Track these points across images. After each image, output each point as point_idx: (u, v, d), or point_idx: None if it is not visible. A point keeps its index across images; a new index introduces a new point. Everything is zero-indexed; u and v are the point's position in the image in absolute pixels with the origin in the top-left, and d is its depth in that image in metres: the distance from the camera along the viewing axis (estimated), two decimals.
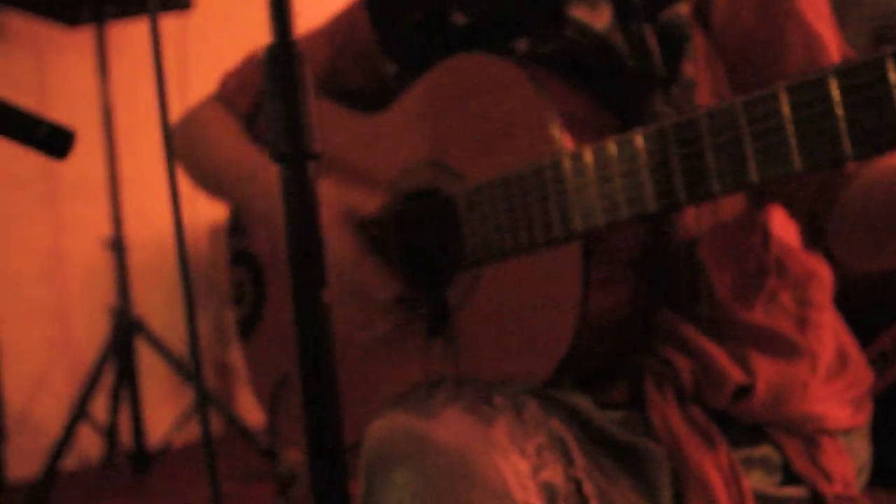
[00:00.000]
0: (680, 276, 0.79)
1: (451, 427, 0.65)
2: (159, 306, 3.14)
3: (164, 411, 2.99)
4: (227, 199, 1.16)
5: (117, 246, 2.75)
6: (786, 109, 0.58)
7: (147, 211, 3.17)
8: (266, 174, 1.01)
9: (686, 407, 0.76)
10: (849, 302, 0.94)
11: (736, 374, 0.77)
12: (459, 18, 0.91)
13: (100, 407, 2.65)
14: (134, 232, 2.85)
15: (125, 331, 2.69)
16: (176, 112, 3.07)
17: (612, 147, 0.66)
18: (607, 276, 0.74)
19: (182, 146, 1.19)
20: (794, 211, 0.82)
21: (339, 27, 1.10)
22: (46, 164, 2.99)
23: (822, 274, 0.87)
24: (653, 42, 0.78)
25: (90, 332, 3.01)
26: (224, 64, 3.39)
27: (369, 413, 0.85)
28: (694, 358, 0.78)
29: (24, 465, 2.87)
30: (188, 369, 2.75)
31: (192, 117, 1.22)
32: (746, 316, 0.81)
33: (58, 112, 3.03)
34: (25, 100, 2.61)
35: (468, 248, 0.79)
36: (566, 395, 0.74)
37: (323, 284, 0.58)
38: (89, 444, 2.92)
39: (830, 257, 0.83)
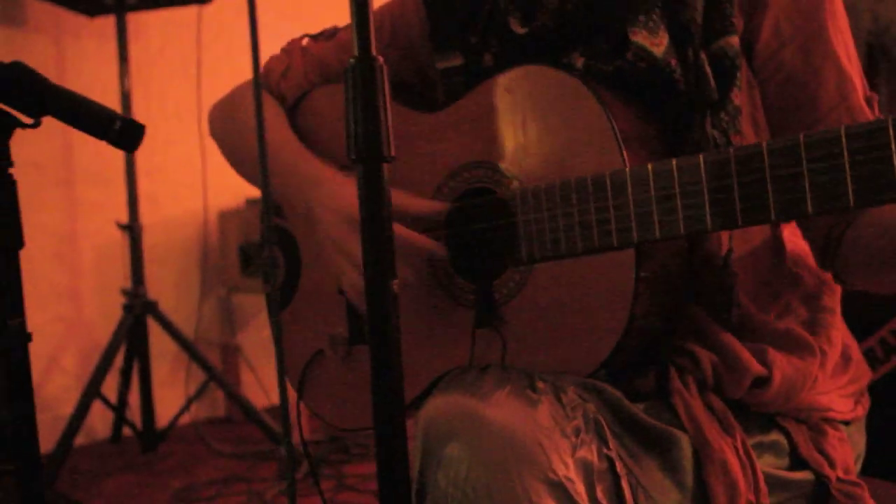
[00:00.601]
0: (714, 284, 0.87)
1: (500, 408, 0.73)
2: (168, 289, 3.21)
3: (170, 391, 3.06)
4: (258, 182, 1.19)
5: (132, 230, 2.80)
6: (845, 152, 0.65)
7: (159, 196, 3.23)
8: (308, 168, 1.07)
9: (706, 396, 0.85)
10: (844, 304, 1.03)
11: (755, 367, 0.86)
12: (518, 28, 0.96)
13: (109, 385, 2.72)
14: (145, 216, 2.91)
15: (139, 313, 2.75)
16: (190, 99, 3.13)
17: (673, 167, 0.74)
18: (655, 282, 0.82)
19: (223, 127, 1.23)
20: (811, 235, 0.91)
21: (386, 20, 1.12)
22: (64, 149, 3.05)
23: (833, 282, 0.96)
24: (707, 69, 0.85)
25: (102, 312, 3.08)
26: (236, 54, 3.47)
27: (415, 390, 0.91)
28: (716, 351, 0.87)
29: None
30: (196, 351, 2.82)
31: (234, 100, 1.23)
32: (764, 319, 0.91)
33: None
34: None
35: (522, 247, 0.86)
36: (600, 383, 0.82)
37: (392, 276, 0.65)
38: (99, 421, 2.99)
39: (836, 276, 0.92)
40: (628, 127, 0.82)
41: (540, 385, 0.77)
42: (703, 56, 0.85)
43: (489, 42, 0.99)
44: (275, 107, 1.17)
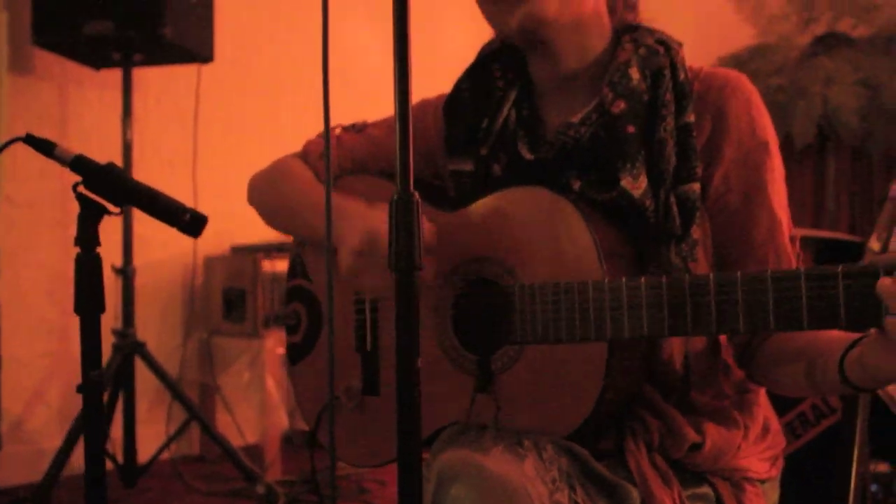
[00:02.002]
0: (667, 370, 1.10)
1: (496, 460, 0.94)
2: (153, 328, 3.35)
3: (150, 428, 3.19)
4: (300, 233, 1.35)
5: (126, 274, 2.95)
6: (770, 289, 0.88)
7: (149, 239, 3.39)
8: (342, 201, 1.20)
9: (653, 456, 1.06)
10: None
11: (692, 435, 1.08)
12: (526, 153, 1.17)
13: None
14: (135, 257, 3.06)
15: (127, 353, 2.90)
16: (184, 148, 3.30)
17: (642, 283, 0.95)
18: (620, 370, 1.04)
19: (264, 189, 1.40)
20: (734, 341, 1.16)
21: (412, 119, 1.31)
22: (60, 192, 3.19)
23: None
24: (674, 209, 1.08)
25: None
26: (231, 109, 3.73)
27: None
28: (663, 421, 1.09)
29: (17, 472, 3.04)
30: (180, 391, 2.96)
31: (277, 167, 1.40)
32: (703, 398, 1.13)
33: (77, 144, 3.29)
34: (47, 131, 2.88)
35: (517, 331, 1.06)
36: (572, 444, 1.03)
37: (417, 354, 0.85)
38: (77, 454, 3.10)
39: (748, 375, 1.17)
40: (608, 246, 1.04)
41: (526, 443, 0.98)
42: (671, 198, 1.08)
43: (498, 155, 1.20)
44: (309, 172, 1.36)
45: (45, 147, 1.01)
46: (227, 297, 3.35)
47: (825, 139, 4.96)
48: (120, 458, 2.89)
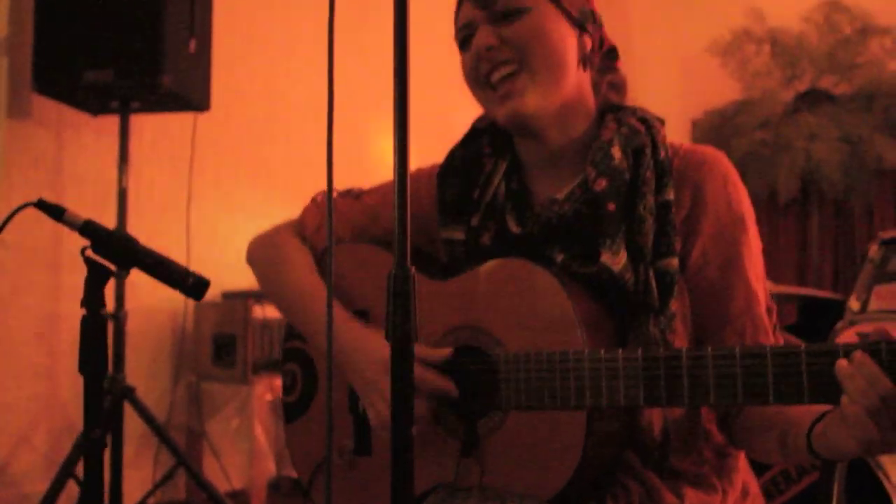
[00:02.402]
0: (647, 436, 1.13)
1: None
2: (141, 372, 3.35)
3: (136, 473, 3.19)
4: (295, 323, 1.38)
5: (118, 319, 2.97)
6: (738, 366, 0.94)
7: (141, 282, 3.41)
8: (346, 340, 1.24)
9: None
10: None
11: (671, 500, 1.11)
12: (514, 226, 1.22)
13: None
14: (127, 301, 3.08)
15: (117, 397, 2.91)
16: (178, 194, 3.33)
17: (619, 355, 1.00)
18: (600, 437, 1.07)
19: (261, 266, 1.43)
20: (716, 410, 1.19)
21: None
22: (53, 235, 3.22)
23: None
24: (652, 283, 1.12)
25: (76, 393, 3.19)
26: (227, 158, 3.78)
27: None
28: (643, 485, 1.12)
29: None
30: (168, 437, 2.96)
31: (272, 241, 1.43)
32: (683, 464, 1.17)
33: (72, 188, 3.32)
34: (43, 175, 2.92)
35: (502, 397, 1.10)
36: None
37: (412, 423, 0.88)
38: (64, 499, 3.09)
39: (728, 440, 1.21)
40: (590, 318, 1.08)
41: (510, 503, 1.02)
42: (650, 272, 1.12)
43: (487, 226, 1.25)
44: (308, 255, 1.38)
45: (55, 212, 1.05)
46: (217, 343, 3.37)
47: (808, 193, 5.07)
48: (106, 503, 2.88)
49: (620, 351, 1.01)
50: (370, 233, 1.39)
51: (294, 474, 1.38)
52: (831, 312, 2.74)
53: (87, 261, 1.04)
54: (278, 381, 3.22)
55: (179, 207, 3.39)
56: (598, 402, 1.02)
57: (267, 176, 3.90)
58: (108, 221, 3.04)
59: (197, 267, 3.56)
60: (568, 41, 1.19)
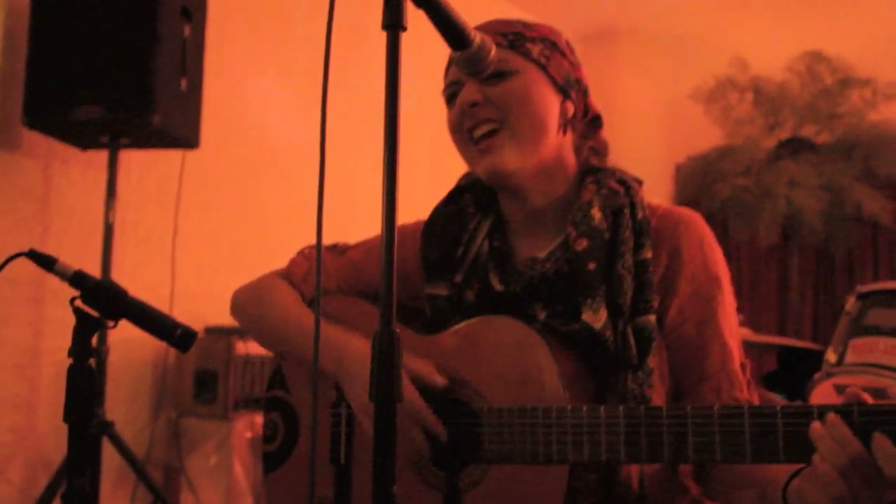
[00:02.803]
0: (625, 490, 1.15)
1: None
2: (120, 406, 3.34)
3: None
4: (291, 355, 1.40)
5: (99, 353, 2.96)
6: (716, 423, 0.96)
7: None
8: (334, 332, 1.28)
9: None
10: None
11: None
12: (497, 284, 1.25)
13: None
14: (109, 336, 3.07)
15: (95, 433, 2.89)
16: (163, 228, 3.32)
17: (602, 411, 1.03)
18: (581, 487, 1.10)
19: (251, 311, 1.46)
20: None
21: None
22: (37, 271, 3.22)
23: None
24: (631, 340, 1.15)
25: (54, 426, 3.19)
26: (214, 194, 3.79)
27: None
28: None
29: None
30: (146, 474, 2.95)
31: (260, 283, 1.46)
32: None
33: (59, 221, 3.33)
34: (30, 207, 2.93)
35: (485, 450, 1.12)
36: None
37: (393, 482, 0.90)
38: None
39: (704, 492, 1.23)
40: (571, 375, 1.11)
41: None
42: (629, 329, 1.15)
43: (471, 282, 1.28)
44: (296, 294, 1.41)
45: (46, 262, 1.07)
46: (199, 378, 3.36)
47: (789, 239, 5.13)
48: None
49: (602, 407, 1.03)
50: (356, 287, 1.42)
51: None
52: (810, 361, 2.78)
53: (76, 311, 1.05)
54: (259, 419, 3.21)
55: (165, 242, 3.40)
56: (579, 458, 1.04)
57: (253, 213, 3.93)
58: (94, 254, 3.05)
59: (181, 301, 3.58)
60: (551, 106, 1.24)
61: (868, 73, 4.99)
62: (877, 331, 2.37)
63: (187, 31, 3.00)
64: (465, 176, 1.36)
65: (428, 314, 1.32)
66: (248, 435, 3.23)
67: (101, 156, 3.09)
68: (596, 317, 1.15)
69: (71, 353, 1.04)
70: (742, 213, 5.03)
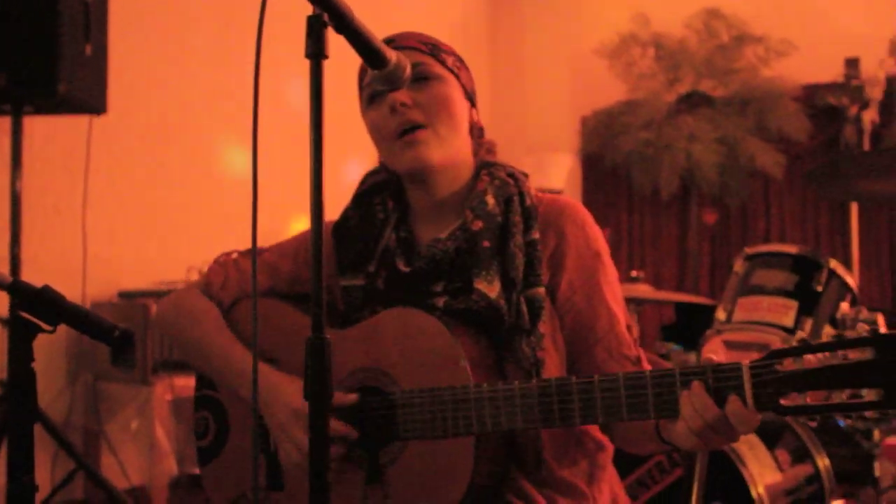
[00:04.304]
0: (527, 449, 1.31)
1: None
2: (39, 375, 3.33)
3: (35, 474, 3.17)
4: (212, 375, 1.49)
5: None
6: (597, 391, 1.15)
7: (36, 280, 3.37)
8: (245, 367, 1.39)
9: None
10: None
11: None
12: (403, 266, 1.39)
13: None
14: None
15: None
16: (72, 196, 3.26)
17: (500, 387, 1.19)
18: (486, 457, 1.24)
19: (172, 325, 1.53)
20: None
21: (302, 246, 1.51)
22: None
23: (607, 445, 1.42)
24: (523, 308, 1.30)
25: None
26: (122, 158, 3.77)
27: None
28: (523, 497, 1.30)
29: None
30: (67, 441, 2.97)
31: (180, 303, 1.54)
32: (558, 472, 1.34)
33: None
34: None
35: (400, 429, 1.26)
36: None
37: (328, 489, 1.00)
38: None
39: (610, 439, 1.41)
40: (473, 352, 1.27)
41: None
42: (521, 299, 1.31)
43: (380, 272, 1.42)
44: (216, 311, 1.49)
45: None
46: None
47: (688, 191, 5.38)
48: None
49: (500, 382, 1.20)
50: (273, 288, 1.52)
51: (196, 471, 1.50)
52: (704, 314, 2.99)
53: (16, 318, 1.10)
54: (179, 381, 3.26)
55: (75, 209, 3.36)
56: (483, 429, 1.20)
57: (164, 176, 3.90)
58: (2, 224, 3.01)
59: (94, 268, 3.55)
60: (464, 111, 1.41)
61: (762, 30, 5.21)
62: (761, 290, 2.57)
63: None
64: (371, 174, 1.49)
65: (340, 306, 1.44)
66: (168, 397, 3.27)
67: (2, 122, 3.02)
68: (490, 287, 1.30)
69: (12, 359, 1.09)
70: (644, 165, 5.24)
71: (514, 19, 6.01)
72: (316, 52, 1.00)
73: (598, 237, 1.41)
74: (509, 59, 5.99)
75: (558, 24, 5.89)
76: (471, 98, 1.44)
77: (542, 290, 1.33)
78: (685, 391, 1.09)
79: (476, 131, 1.46)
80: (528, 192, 1.39)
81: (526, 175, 1.44)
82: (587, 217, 1.42)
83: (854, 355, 0.99)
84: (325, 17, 1.00)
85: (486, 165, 1.43)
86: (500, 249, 1.33)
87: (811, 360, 1.01)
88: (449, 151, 1.37)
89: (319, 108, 1.02)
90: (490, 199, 1.36)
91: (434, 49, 1.40)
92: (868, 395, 0.99)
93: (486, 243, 1.33)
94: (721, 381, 1.08)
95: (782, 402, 1.03)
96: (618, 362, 1.35)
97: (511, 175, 1.41)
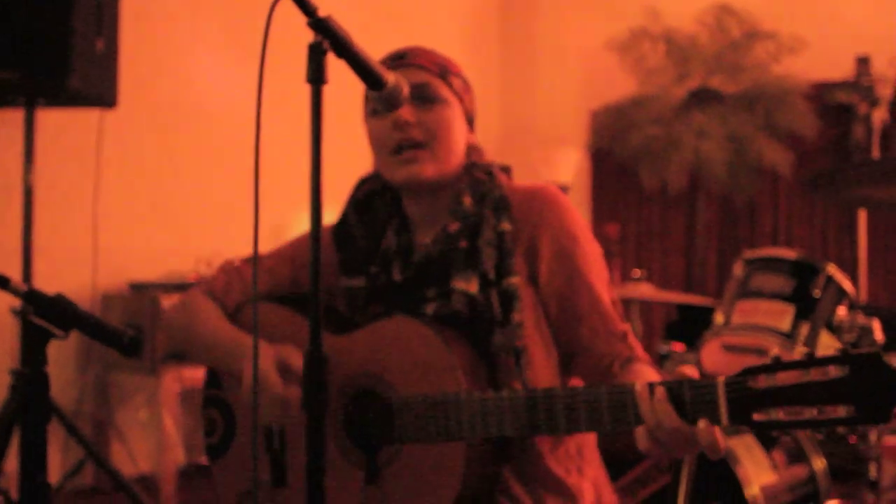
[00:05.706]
0: (519, 444, 1.36)
1: None
2: (51, 364, 3.38)
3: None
4: (218, 367, 1.53)
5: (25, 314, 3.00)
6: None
7: (48, 274, 3.41)
8: (245, 339, 1.44)
9: None
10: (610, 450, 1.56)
11: None
12: (397, 276, 1.44)
13: None
14: None
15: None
16: (84, 185, 3.31)
17: (491, 395, 1.24)
18: (477, 461, 1.29)
19: (178, 327, 1.58)
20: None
21: (299, 250, 1.56)
22: None
23: (591, 441, 1.48)
24: (494, 300, 1.36)
25: None
26: (134, 150, 3.81)
27: None
28: (513, 500, 1.35)
29: None
30: (77, 430, 3.03)
31: (187, 305, 1.58)
32: (550, 464, 1.39)
33: None
34: None
35: (396, 434, 1.30)
36: None
37: (322, 473, 1.04)
38: None
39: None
40: (464, 359, 1.32)
41: None
42: (492, 292, 1.36)
43: (380, 275, 1.47)
44: (219, 310, 1.54)
45: (0, 282, 1.15)
46: None
47: (696, 187, 5.38)
48: (14, 495, 2.93)
49: (505, 391, 1.25)
50: (273, 292, 1.56)
51: (203, 461, 1.57)
52: (707, 314, 3.01)
53: (30, 324, 1.15)
54: (187, 372, 3.31)
55: (85, 201, 3.42)
56: (473, 435, 1.25)
57: (174, 168, 3.95)
58: (14, 215, 3.07)
59: (105, 260, 3.60)
60: (463, 135, 1.47)
61: (772, 26, 5.19)
62: (759, 294, 2.60)
63: None
64: (368, 182, 1.52)
65: (342, 306, 1.49)
66: (177, 388, 3.33)
67: (14, 114, 3.07)
68: (469, 284, 1.37)
69: (24, 363, 1.13)
70: (652, 161, 5.24)
71: (525, 13, 6.01)
72: (316, 78, 1.04)
73: (575, 219, 1.44)
74: (520, 53, 5.99)
75: (569, 18, 5.89)
76: (471, 121, 1.50)
77: (515, 279, 1.38)
78: (650, 397, 1.12)
79: (470, 151, 1.50)
80: (500, 184, 1.44)
81: (506, 169, 1.49)
82: (561, 200, 1.44)
83: (826, 373, 1.03)
84: (326, 43, 1.03)
85: (468, 167, 1.47)
86: (476, 247, 1.39)
87: (784, 377, 1.05)
88: (443, 168, 1.43)
89: (318, 132, 1.06)
90: (466, 199, 1.42)
91: (443, 71, 1.44)
92: (838, 411, 1.02)
93: (464, 243, 1.39)
94: (697, 397, 1.11)
95: (755, 417, 1.06)
96: (604, 340, 1.39)
97: (488, 172, 1.46)
